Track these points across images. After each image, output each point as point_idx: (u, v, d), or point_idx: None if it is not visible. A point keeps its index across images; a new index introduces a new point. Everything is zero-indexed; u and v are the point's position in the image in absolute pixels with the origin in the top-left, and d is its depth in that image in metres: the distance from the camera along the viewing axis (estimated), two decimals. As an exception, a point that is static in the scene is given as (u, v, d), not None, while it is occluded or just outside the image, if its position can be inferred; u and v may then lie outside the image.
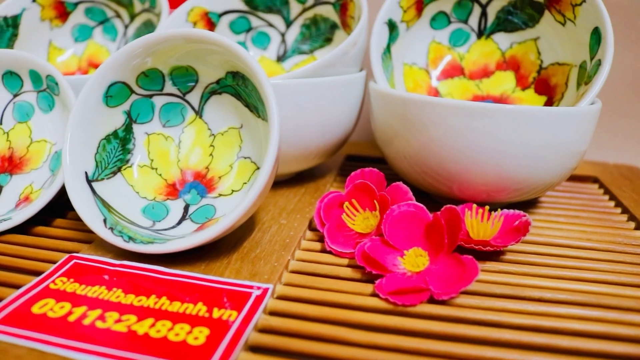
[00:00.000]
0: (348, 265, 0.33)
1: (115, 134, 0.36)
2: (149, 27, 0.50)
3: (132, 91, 0.36)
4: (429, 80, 0.46)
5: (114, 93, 0.35)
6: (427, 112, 0.36)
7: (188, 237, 0.30)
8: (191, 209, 0.35)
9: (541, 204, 0.44)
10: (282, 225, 0.37)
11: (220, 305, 0.28)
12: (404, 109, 0.38)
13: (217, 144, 0.36)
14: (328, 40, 0.48)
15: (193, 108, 0.37)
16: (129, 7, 0.51)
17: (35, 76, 0.39)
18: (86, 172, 0.34)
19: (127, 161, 0.36)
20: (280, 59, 0.49)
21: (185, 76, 0.36)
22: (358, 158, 0.54)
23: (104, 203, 0.33)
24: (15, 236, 0.36)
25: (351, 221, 0.36)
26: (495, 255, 0.35)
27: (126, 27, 0.52)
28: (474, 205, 0.36)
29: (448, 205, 0.32)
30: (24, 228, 0.36)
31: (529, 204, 0.43)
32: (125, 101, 0.36)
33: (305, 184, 0.45)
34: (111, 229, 0.31)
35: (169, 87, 0.36)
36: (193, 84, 0.36)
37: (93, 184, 0.34)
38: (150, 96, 0.36)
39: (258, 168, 0.35)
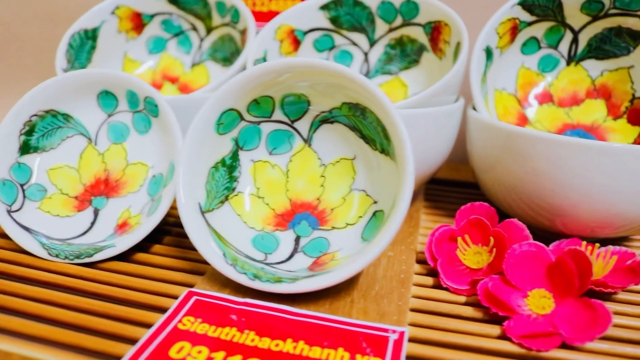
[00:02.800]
0: (466, 304, 0.33)
1: (222, 161, 0.35)
2: (226, 41, 0.49)
3: (242, 118, 0.35)
4: (518, 106, 0.45)
5: (226, 120, 0.34)
6: (538, 148, 0.36)
7: (317, 278, 0.29)
8: (302, 242, 0.34)
9: (633, 236, 0.44)
10: (390, 258, 0.36)
11: (362, 352, 0.27)
12: (509, 140, 0.37)
13: (328, 174, 0.35)
14: (414, 62, 0.47)
15: (301, 136, 0.36)
16: (207, 20, 0.50)
17: (132, 97, 0.38)
18: (199, 204, 0.33)
19: (234, 189, 0.35)
20: (363, 78, 0.48)
21: (296, 104, 0.35)
22: (441, 182, 0.53)
23: (218, 236, 0.32)
24: (118, 264, 0.35)
25: (462, 255, 0.35)
26: (607, 294, 0.35)
27: (202, 40, 0.51)
28: (583, 242, 0.36)
29: (572, 247, 0.31)
30: (124, 254, 0.36)
31: (622, 237, 0.43)
32: (234, 128, 0.35)
33: (397, 211, 0.44)
34: (233, 265, 0.31)
35: (278, 114, 0.35)
36: (303, 112, 0.35)
37: (206, 215, 0.33)
38: (259, 123, 0.35)
39: (375, 202, 0.34)
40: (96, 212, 0.37)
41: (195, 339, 0.28)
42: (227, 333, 0.28)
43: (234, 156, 0.35)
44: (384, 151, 0.33)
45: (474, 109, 0.42)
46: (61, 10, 0.63)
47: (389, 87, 0.47)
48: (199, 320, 0.29)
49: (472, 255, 0.35)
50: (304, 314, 0.30)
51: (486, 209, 0.37)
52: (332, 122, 0.35)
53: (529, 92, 0.46)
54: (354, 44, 0.48)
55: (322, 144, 0.36)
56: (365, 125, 0.34)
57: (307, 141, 0.36)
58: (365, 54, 0.48)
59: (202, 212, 0.33)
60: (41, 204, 0.37)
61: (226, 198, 0.35)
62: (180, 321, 0.29)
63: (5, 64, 0.72)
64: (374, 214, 0.33)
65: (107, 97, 0.38)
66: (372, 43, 0.48)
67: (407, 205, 0.29)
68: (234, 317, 0.29)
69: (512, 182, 0.38)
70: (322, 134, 0.36)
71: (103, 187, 0.38)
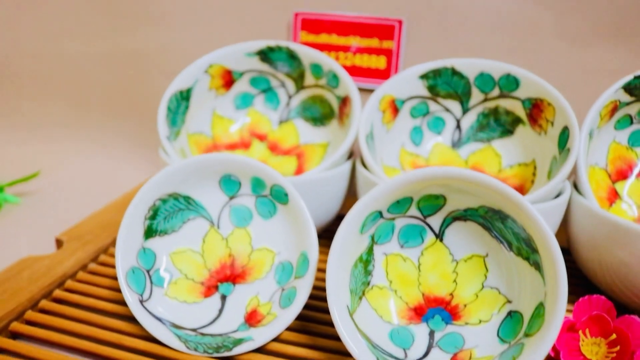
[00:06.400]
0: (590, 397, 0.35)
1: (360, 257, 0.35)
2: (318, 102, 0.49)
3: (382, 216, 0.35)
4: (609, 180, 0.47)
5: (368, 221, 0.34)
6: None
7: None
8: (437, 336, 0.35)
9: None
10: (513, 348, 0.38)
11: None
12: (614, 230, 0.39)
13: (460, 270, 0.36)
14: (508, 133, 0.48)
15: (433, 231, 0.37)
16: (298, 81, 0.49)
17: (257, 183, 0.38)
18: (347, 306, 0.34)
19: (369, 283, 0.36)
20: (455, 145, 0.49)
21: (433, 204, 0.36)
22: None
23: (367, 339, 0.33)
24: (255, 355, 0.35)
25: (581, 346, 0.37)
26: None
27: (290, 97, 0.50)
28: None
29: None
30: (257, 344, 0.36)
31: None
32: (373, 226, 0.35)
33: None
34: (390, 373, 0.32)
35: (413, 210, 0.36)
36: (438, 209, 0.36)
37: (353, 317, 0.34)
38: (394, 219, 0.36)
39: (509, 301, 0.35)
40: (223, 299, 0.37)
41: None
42: None
43: (369, 251, 0.36)
44: (520, 254, 0.34)
45: (575, 186, 0.44)
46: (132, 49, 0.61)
47: (482, 156, 0.48)
48: None
49: (590, 346, 0.37)
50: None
51: (603, 302, 0.38)
52: (464, 220, 0.36)
53: (619, 167, 0.47)
54: (447, 110, 0.48)
55: (453, 240, 0.36)
56: (501, 228, 0.35)
57: (439, 236, 0.37)
58: (458, 121, 0.49)
59: (351, 315, 0.33)
60: (167, 289, 0.37)
61: (363, 293, 0.36)
62: None
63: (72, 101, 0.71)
64: (509, 314, 0.35)
65: (229, 181, 0.38)
66: (466, 110, 0.48)
67: (560, 324, 0.30)
68: None
69: (616, 266, 0.40)
70: (454, 230, 0.36)
71: (229, 273, 0.38)
